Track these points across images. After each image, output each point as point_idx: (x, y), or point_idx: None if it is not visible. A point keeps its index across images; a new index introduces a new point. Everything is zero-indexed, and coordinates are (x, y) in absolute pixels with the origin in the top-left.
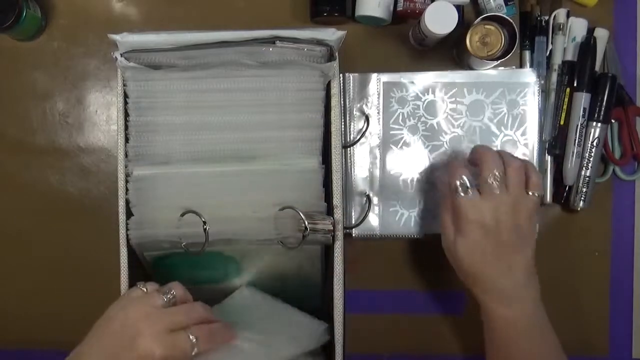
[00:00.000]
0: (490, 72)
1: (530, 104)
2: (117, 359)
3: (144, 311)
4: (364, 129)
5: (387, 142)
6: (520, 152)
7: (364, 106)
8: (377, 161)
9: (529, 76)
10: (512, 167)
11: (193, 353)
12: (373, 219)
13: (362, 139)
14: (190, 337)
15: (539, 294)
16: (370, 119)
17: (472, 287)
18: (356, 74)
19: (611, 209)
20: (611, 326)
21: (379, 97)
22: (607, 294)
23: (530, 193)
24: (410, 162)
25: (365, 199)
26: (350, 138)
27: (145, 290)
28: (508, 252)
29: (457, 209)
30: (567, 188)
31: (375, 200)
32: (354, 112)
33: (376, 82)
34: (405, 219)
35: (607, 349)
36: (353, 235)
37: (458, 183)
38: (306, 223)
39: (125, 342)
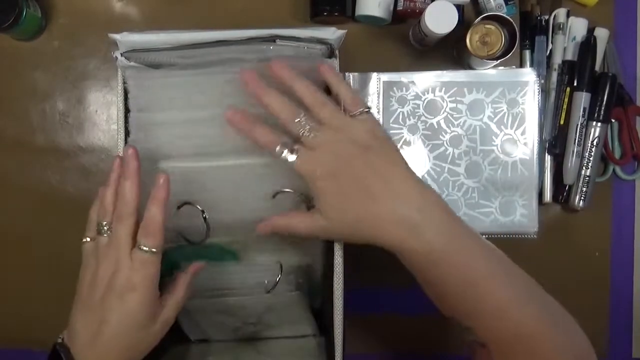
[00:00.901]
0: (490, 71)
1: (530, 103)
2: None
3: (96, 261)
4: None
5: None
6: (520, 151)
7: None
8: None
9: (528, 75)
10: (312, 101)
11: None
12: None
13: None
14: (144, 248)
15: (449, 210)
16: None
17: (377, 241)
18: (356, 74)
19: (611, 209)
20: (611, 326)
21: (379, 97)
22: (607, 294)
23: (354, 115)
24: (410, 161)
25: None
26: None
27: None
28: (378, 182)
29: (302, 173)
30: (567, 188)
31: None
32: None
33: (376, 81)
34: None
35: (607, 349)
36: None
37: (277, 149)
38: (308, 204)
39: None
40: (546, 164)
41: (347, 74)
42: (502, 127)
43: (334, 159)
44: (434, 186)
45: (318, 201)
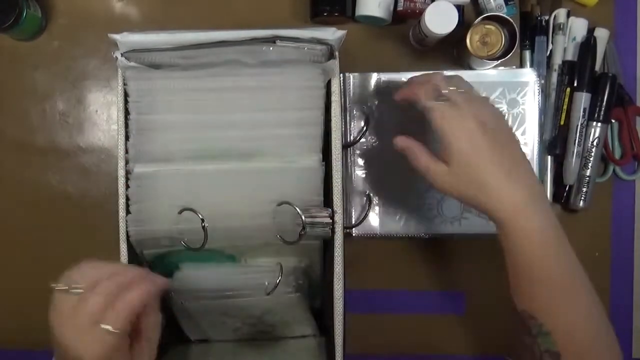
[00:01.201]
0: (490, 71)
1: (530, 103)
2: None
3: (60, 317)
4: (364, 129)
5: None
6: None
7: (364, 106)
8: (378, 161)
9: (529, 76)
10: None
11: (116, 335)
12: (373, 219)
13: (362, 139)
14: (103, 327)
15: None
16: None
17: (485, 207)
18: (356, 74)
19: (611, 209)
20: None
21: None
22: (607, 294)
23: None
24: None
25: (365, 198)
26: (350, 138)
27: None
28: (507, 155)
29: (444, 125)
30: (567, 188)
31: (375, 200)
32: (354, 112)
33: (376, 81)
34: (405, 219)
35: None
36: (353, 235)
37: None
38: (303, 217)
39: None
40: (546, 164)
41: (347, 74)
42: None
43: (477, 121)
44: None
45: (451, 155)
